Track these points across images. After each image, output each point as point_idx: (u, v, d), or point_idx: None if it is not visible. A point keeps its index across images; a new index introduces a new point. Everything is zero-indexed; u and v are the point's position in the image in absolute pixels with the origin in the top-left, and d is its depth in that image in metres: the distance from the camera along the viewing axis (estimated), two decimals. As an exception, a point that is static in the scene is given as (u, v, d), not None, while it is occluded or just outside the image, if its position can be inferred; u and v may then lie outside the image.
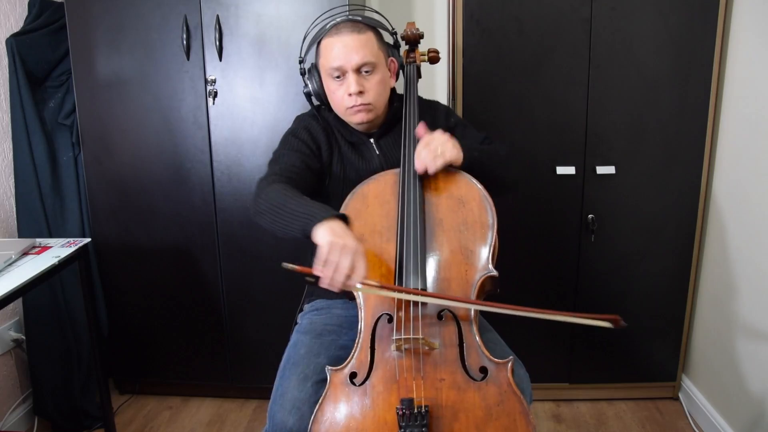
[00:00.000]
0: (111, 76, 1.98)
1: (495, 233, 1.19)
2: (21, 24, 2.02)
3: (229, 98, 1.96)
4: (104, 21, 1.93)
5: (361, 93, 1.30)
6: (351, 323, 1.36)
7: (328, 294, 1.42)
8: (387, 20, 1.43)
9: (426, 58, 1.53)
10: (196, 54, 1.93)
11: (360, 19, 1.34)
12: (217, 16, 1.89)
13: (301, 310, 1.50)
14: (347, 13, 1.39)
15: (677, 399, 2.17)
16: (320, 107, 1.44)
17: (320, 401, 1.13)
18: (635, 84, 1.89)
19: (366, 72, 1.31)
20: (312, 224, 1.06)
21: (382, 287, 1.10)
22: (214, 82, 1.95)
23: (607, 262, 2.04)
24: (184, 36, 1.91)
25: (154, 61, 1.95)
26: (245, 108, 1.96)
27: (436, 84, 2.37)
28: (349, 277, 1.01)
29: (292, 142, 1.37)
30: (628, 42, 1.86)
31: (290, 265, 1.02)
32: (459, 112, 1.95)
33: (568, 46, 1.88)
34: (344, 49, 1.28)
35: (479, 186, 1.23)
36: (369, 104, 1.32)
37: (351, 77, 1.29)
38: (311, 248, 1.26)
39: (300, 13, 1.88)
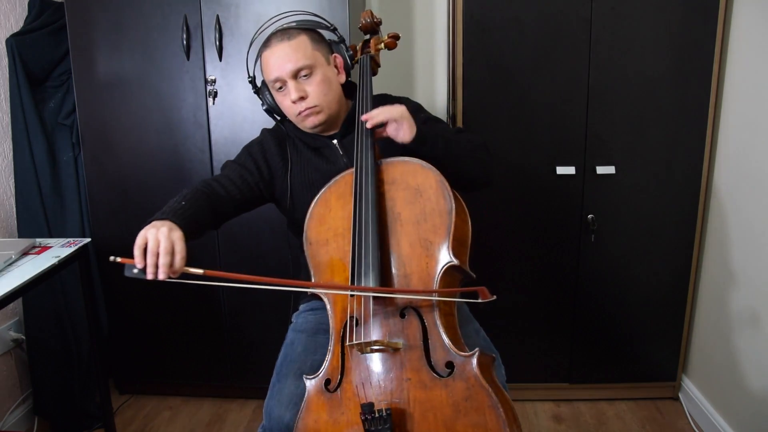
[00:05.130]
0: (111, 76, 1.98)
1: (454, 219, 1.14)
2: (21, 24, 2.02)
3: (229, 98, 1.96)
4: (104, 21, 1.93)
5: (302, 98, 1.30)
6: None
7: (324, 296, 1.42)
8: (323, 18, 1.41)
9: (382, 45, 1.46)
10: (196, 54, 1.93)
11: (294, 24, 1.34)
12: (217, 16, 1.89)
13: (296, 309, 1.51)
14: (277, 23, 1.38)
15: (677, 399, 2.17)
16: (283, 120, 1.42)
17: (300, 411, 1.14)
18: (635, 84, 1.89)
19: (304, 76, 1.30)
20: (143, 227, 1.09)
21: (226, 275, 1.06)
22: (214, 82, 1.95)
23: (607, 262, 2.04)
24: (184, 36, 1.91)
25: (154, 61, 1.95)
26: (245, 108, 1.96)
27: (436, 84, 2.37)
28: (172, 260, 1.03)
29: (241, 156, 1.42)
30: (628, 42, 1.86)
31: (117, 258, 1.04)
32: (459, 112, 1.95)
33: (568, 46, 1.88)
34: (277, 60, 1.29)
35: (434, 171, 1.18)
36: (315, 106, 1.31)
37: (290, 84, 1.29)
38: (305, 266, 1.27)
39: (300, 13, 1.88)
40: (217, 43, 1.91)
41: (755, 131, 1.74)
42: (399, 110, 1.20)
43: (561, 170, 1.96)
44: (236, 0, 1.88)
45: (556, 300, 2.09)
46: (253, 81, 1.41)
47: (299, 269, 1.44)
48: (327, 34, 1.40)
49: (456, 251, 1.13)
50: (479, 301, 1.11)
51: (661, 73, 1.88)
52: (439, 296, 1.12)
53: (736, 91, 1.84)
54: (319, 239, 1.22)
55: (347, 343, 1.12)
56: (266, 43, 1.32)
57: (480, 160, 1.32)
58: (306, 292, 1.51)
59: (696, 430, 2.01)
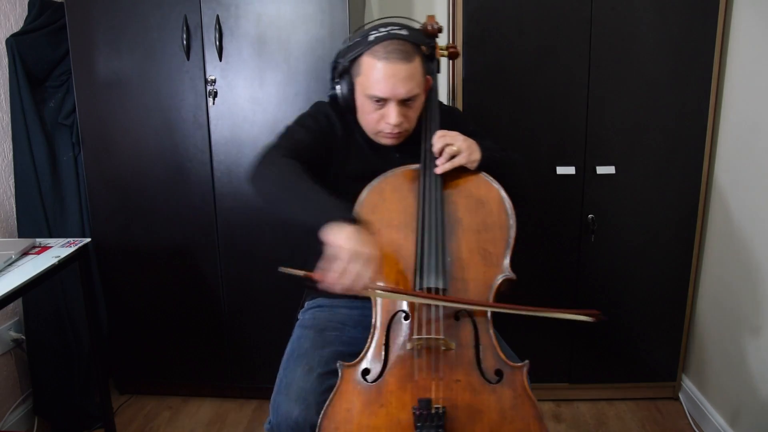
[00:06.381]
0: (111, 76, 1.98)
1: (514, 235, 1.19)
2: (21, 24, 2.02)
3: (229, 98, 1.96)
4: (104, 21, 1.93)
5: (400, 123, 1.27)
6: (355, 321, 1.35)
7: (331, 293, 1.42)
8: (426, 34, 1.37)
9: (446, 53, 1.48)
10: (196, 54, 1.93)
11: (405, 34, 1.25)
12: (217, 16, 1.89)
13: (302, 307, 1.50)
14: (393, 25, 1.28)
15: (677, 399, 2.17)
16: (347, 109, 1.37)
17: (331, 397, 1.12)
18: (635, 84, 1.89)
19: (408, 102, 1.27)
20: (326, 220, 1.05)
21: (391, 291, 1.10)
22: (214, 82, 1.95)
23: (607, 262, 2.04)
24: (184, 36, 1.91)
25: (154, 61, 1.95)
26: (245, 108, 1.96)
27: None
28: (353, 282, 1.01)
29: (307, 122, 1.34)
30: (628, 42, 1.86)
31: (290, 270, 1.01)
32: (459, 112, 1.96)
33: (568, 46, 1.88)
34: (392, 80, 1.22)
35: (499, 187, 1.24)
36: (405, 131, 1.31)
37: (393, 108, 1.25)
38: (312, 246, 1.26)
39: (300, 13, 1.88)
40: (217, 43, 1.91)
41: (755, 131, 1.74)
42: (462, 146, 1.23)
43: (561, 170, 1.96)
44: (236, 0, 1.88)
45: (556, 300, 2.09)
46: (335, 66, 1.34)
47: (311, 258, 1.42)
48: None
49: (511, 265, 1.18)
50: (591, 320, 1.21)
51: (661, 74, 1.88)
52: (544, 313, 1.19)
53: (736, 92, 1.84)
54: (370, 228, 1.22)
55: (414, 336, 1.12)
56: (382, 54, 1.22)
57: (520, 180, 1.36)
58: (309, 291, 1.50)
59: (696, 430, 2.01)
